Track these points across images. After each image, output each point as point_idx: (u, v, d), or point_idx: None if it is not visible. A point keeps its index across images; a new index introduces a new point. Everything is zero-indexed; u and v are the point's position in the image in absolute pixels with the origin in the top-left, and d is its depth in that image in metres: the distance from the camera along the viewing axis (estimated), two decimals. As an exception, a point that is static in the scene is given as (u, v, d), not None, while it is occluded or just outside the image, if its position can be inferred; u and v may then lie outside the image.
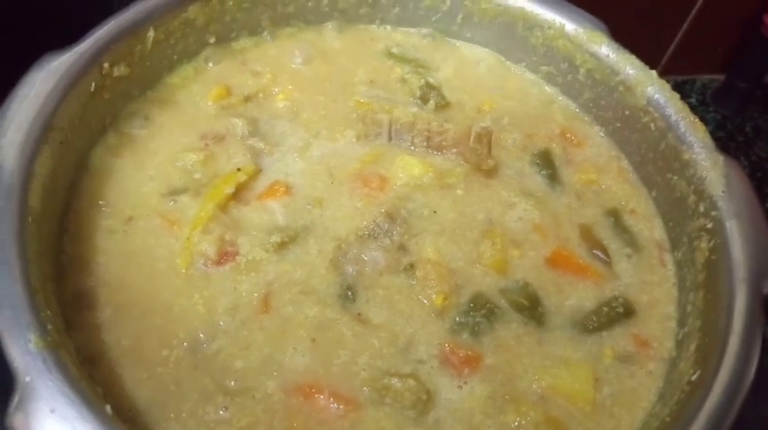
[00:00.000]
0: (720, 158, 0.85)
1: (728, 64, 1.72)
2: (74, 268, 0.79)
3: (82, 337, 0.73)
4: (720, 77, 1.75)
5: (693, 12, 1.70)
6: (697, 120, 0.89)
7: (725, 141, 1.68)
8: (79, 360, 0.69)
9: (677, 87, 1.72)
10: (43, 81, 0.79)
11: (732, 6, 1.67)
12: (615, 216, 0.93)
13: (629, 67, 0.96)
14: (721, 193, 0.82)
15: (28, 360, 0.61)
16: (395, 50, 1.09)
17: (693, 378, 0.72)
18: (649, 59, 1.67)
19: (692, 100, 1.75)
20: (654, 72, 0.94)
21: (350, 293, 0.81)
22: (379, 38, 1.10)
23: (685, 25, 1.74)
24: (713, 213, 0.82)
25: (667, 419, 0.71)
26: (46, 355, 0.62)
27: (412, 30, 1.11)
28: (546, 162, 0.97)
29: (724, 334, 0.72)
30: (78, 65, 0.83)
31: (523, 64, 1.07)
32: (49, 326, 0.65)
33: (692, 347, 0.77)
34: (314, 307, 0.79)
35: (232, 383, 0.73)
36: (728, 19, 1.69)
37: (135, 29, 0.90)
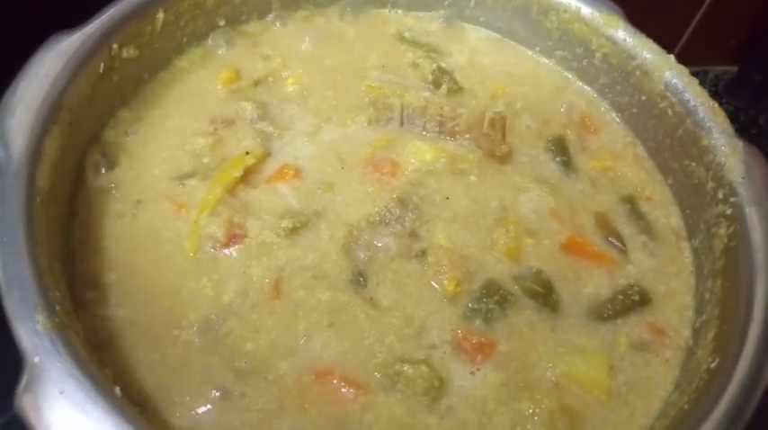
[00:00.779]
0: (740, 144, 0.84)
1: (741, 55, 1.70)
2: (83, 251, 0.78)
3: (91, 319, 0.73)
4: (733, 69, 1.73)
5: (706, 3, 1.68)
6: (716, 105, 0.88)
7: (738, 133, 1.66)
8: (88, 342, 0.69)
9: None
10: (52, 61, 0.78)
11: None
12: (631, 203, 0.91)
13: (646, 51, 0.94)
14: (741, 179, 0.81)
15: (36, 341, 0.61)
16: (407, 35, 1.07)
17: (713, 366, 0.71)
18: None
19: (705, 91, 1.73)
20: (672, 56, 0.93)
21: (362, 279, 0.79)
22: (390, 22, 1.08)
23: (698, 16, 1.72)
24: (732, 199, 0.81)
25: (686, 407, 0.69)
26: (54, 336, 0.61)
27: (424, 14, 1.09)
28: (560, 148, 0.95)
29: (744, 321, 0.71)
30: (87, 45, 0.82)
31: (538, 48, 1.05)
32: (57, 308, 0.64)
33: (711, 335, 0.75)
34: (326, 292, 0.78)
35: (243, 365, 0.72)
36: (742, 10, 1.67)
37: (145, 10, 0.89)
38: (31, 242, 0.67)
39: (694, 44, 1.69)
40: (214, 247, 0.79)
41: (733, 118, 1.66)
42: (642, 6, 1.46)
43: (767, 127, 1.68)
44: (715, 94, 1.72)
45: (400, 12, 1.09)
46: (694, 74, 1.71)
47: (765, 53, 1.65)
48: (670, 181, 0.93)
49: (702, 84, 1.69)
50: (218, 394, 0.70)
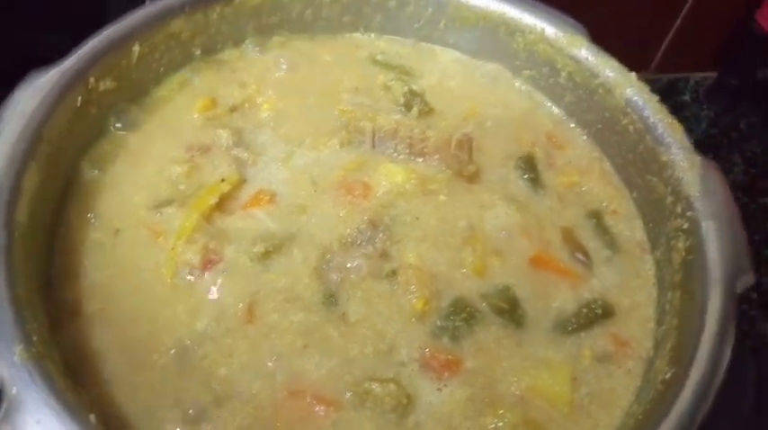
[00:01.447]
0: (698, 159, 0.86)
1: (720, 61, 1.73)
2: (63, 280, 0.81)
3: (71, 347, 0.75)
4: (713, 75, 1.76)
5: (685, 10, 1.70)
6: (675, 121, 0.90)
7: (719, 138, 1.69)
8: (68, 369, 0.72)
9: (671, 85, 1.74)
10: (29, 98, 0.81)
11: (723, 4, 1.67)
12: (597, 217, 0.94)
13: (608, 69, 0.97)
14: (697, 194, 0.83)
15: (13, 372, 0.63)
16: (379, 58, 1.10)
17: (667, 376, 0.74)
18: (643, 57, 1.69)
19: (686, 97, 1.76)
20: (633, 74, 0.95)
21: (333, 300, 0.82)
22: (363, 45, 1.11)
23: (677, 23, 1.75)
24: (689, 214, 0.83)
25: (640, 417, 0.72)
26: (31, 367, 0.64)
27: (396, 37, 1.12)
28: (529, 166, 0.98)
29: (697, 333, 0.73)
30: (64, 80, 0.84)
31: (506, 68, 1.08)
32: (35, 338, 0.67)
33: (668, 346, 0.78)
34: (298, 313, 0.81)
35: (218, 387, 0.75)
36: (720, 16, 1.69)
37: (120, 44, 0.91)
38: (10, 276, 0.70)
39: (674, 51, 1.71)
40: (190, 274, 0.82)
41: (714, 123, 1.71)
42: (621, 13, 1.49)
43: (748, 131, 1.71)
44: (696, 99, 1.75)
45: (373, 35, 1.12)
46: (675, 80, 1.76)
47: (743, 59, 1.67)
48: (634, 195, 0.96)
49: (684, 89, 1.75)
50: (194, 415, 0.73)
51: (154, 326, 0.78)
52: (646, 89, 0.94)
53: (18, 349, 0.64)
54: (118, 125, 0.93)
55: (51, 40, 0.87)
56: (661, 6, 1.67)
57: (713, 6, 1.65)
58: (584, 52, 0.99)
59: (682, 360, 0.73)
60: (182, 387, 0.75)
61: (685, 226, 0.84)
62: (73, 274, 0.81)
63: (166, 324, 0.79)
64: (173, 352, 0.77)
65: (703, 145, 1.50)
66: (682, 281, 0.82)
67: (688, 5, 1.67)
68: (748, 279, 0.76)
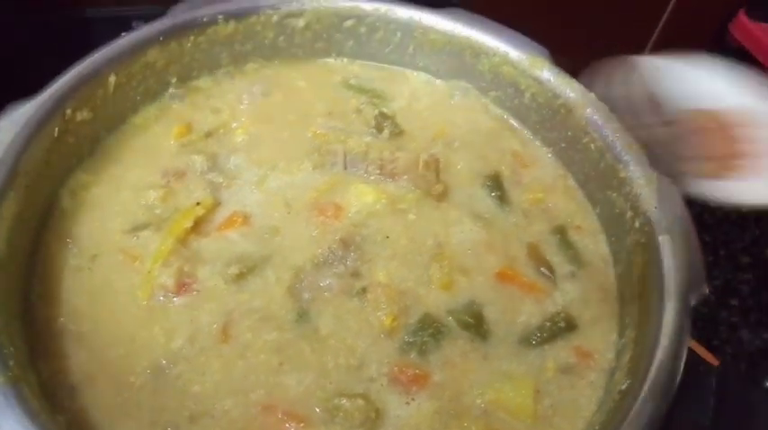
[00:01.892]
0: (654, 175, 0.89)
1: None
2: (42, 305, 0.83)
3: (49, 370, 0.78)
4: (687, 87, 1.79)
5: (661, 21, 1.74)
6: (632, 139, 0.93)
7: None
8: (44, 392, 0.74)
9: (647, 97, 1.77)
10: (6, 130, 0.84)
11: (699, 16, 1.71)
12: (561, 233, 0.97)
13: (569, 90, 1.00)
14: (654, 209, 0.86)
15: (-11, 395, 0.66)
16: (353, 82, 1.13)
17: (623, 387, 0.76)
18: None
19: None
20: (592, 95, 0.98)
21: (306, 318, 0.85)
22: (336, 70, 1.14)
23: (654, 36, 1.79)
24: (646, 228, 0.86)
25: (597, 427, 0.75)
26: (6, 390, 0.67)
27: (368, 62, 1.15)
28: (495, 184, 1.01)
29: (653, 345, 0.76)
30: (40, 113, 0.87)
31: (473, 89, 1.11)
32: (11, 362, 0.69)
33: (627, 358, 0.81)
34: (272, 332, 0.83)
35: (193, 405, 0.77)
36: (695, 29, 1.73)
37: (96, 75, 0.94)
38: (-13, 304, 0.72)
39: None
40: (165, 296, 0.85)
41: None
42: (596, 28, 1.52)
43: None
44: (672, 111, 1.78)
45: (346, 60, 1.15)
46: (651, 93, 1.79)
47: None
48: (597, 210, 0.99)
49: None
50: (171, 434, 0.76)
51: (131, 348, 0.81)
52: (605, 109, 0.97)
53: (-6, 373, 0.67)
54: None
55: (33, 74, 0.90)
56: (637, 20, 1.71)
57: (688, 19, 1.69)
58: (546, 74, 1.02)
59: (638, 371, 0.76)
60: (157, 406, 0.77)
61: (643, 240, 0.87)
62: (52, 299, 0.84)
63: (143, 345, 0.81)
64: (148, 372, 0.79)
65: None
66: (640, 294, 0.85)
67: (664, 17, 1.71)
68: (703, 291, 0.79)
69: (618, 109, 0.85)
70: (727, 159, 0.68)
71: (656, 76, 0.75)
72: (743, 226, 1.55)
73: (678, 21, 1.72)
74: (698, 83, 0.73)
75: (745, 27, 1.65)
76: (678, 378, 0.73)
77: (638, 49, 1.75)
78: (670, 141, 0.72)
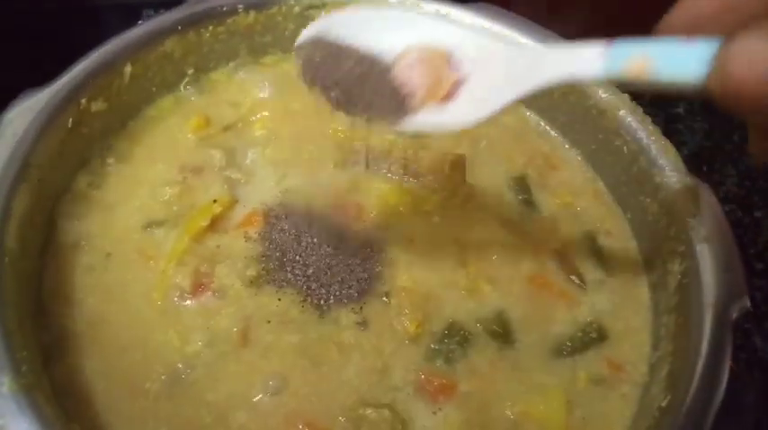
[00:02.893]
0: (692, 182, 0.86)
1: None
2: (54, 305, 0.80)
3: (61, 375, 0.74)
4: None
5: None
6: (668, 143, 0.90)
7: (713, 150, 1.68)
8: (58, 398, 0.71)
9: (664, 97, 1.73)
10: (20, 119, 0.81)
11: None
12: (591, 239, 0.94)
13: (601, 90, 0.97)
14: (692, 217, 0.83)
15: (1, 403, 0.63)
16: (374, 77, 1.09)
17: (663, 404, 0.73)
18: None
19: (680, 110, 1.75)
20: (626, 96, 0.95)
21: (328, 322, 0.81)
22: (357, 64, 1.10)
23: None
24: (684, 236, 0.83)
25: (636, 446, 0.72)
26: (20, 398, 0.63)
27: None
28: (522, 186, 0.98)
29: (693, 360, 0.73)
30: (55, 102, 0.84)
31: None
32: (24, 368, 0.66)
33: (664, 372, 0.77)
34: (293, 336, 0.80)
35: (210, 413, 0.74)
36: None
37: (112, 64, 0.91)
38: (0, 304, 0.69)
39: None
40: (181, 298, 0.82)
41: (708, 135, 1.71)
42: (611, 28, 1.49)
43: (742, 143, 1.71)
44: (690, 111, 1.75)
45: (367, 53, 1.11)
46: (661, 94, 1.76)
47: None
48: (629, 216, 0.96)
49: (678, 102, 1.74)
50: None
51: (145, 353, 0.78)
52: (639, 111, 0.93)
53: (7, 380, 0.63)
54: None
55: (45, 60, 0.86)
56: (656, 17, 1.67)
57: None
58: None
59: (678, 387, 0.72)
60: (174, 413, 0.74)
61: (680, 248, 0.83)
62: (64, 299, 0.80)
63: (157, 350, 0.78)
64: (164, 378, 0.76)
65: (697, 157, 1.50)
66: (677, 305, 0.81)
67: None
68: (744, 303, 0.76)
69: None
70: (434, 88, 0.66)
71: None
72: (756, 231, 1.51)
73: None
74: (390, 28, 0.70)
75: None
76: (720, 396, 0.70)
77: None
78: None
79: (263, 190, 0.93)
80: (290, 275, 0.85)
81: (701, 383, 0.70)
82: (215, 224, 0.88)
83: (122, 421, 0.72)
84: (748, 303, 0.76)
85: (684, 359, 0.75)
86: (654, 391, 0.77)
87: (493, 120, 1.03)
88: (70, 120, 0.86)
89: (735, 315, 0.75)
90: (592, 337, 0.84)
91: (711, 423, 0.68)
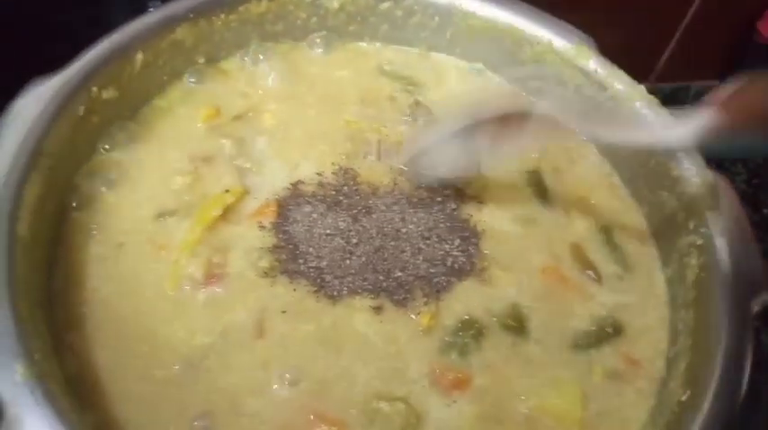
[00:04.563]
0: (710, 175, 0.85)
1: (723, 70, 1.72)
2: (66, 294, 0.78)
3: (74, 363, 0.73)
4: (715, 84, 1.75)
5: (686, 19, 1.70)
6: (686, 136, 0.89)
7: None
8: (70, 387, 0.70)
9: (673, 94, 1.73)
10: (31, 107, 0.79)
11: (725, 14, 1.67)
12: (606, 233, 0.93)
13: (617, 82, 0.96)
14: (710, 210, 0.82)
15: (15, 391, 0.61)
16: (387, 68, 1.08)
17: (683, 398, 0.72)
18: (644, 67, 1.68)
19: (688, 106, 1.75)
20: (642, 87, 0.94)
21: (342, 312, 0.81)
22: (370, 55, 1.10)
23: (679, 32, 1.74)
24: (702, 230, 0.82)
25: (657, 442, 0.71)
26: (33, 386, 0.62)
27: (402, 47, 1.10)
28: (536, 180, 0.97)
29: (713, 354, 0.72)
30: (66, 89, 0.83)
31: (513, 79, 1.07)
32: (37, 356, 0.65)
33: (683, 367, 0.76)
34: (308, 327, 0.79)
35: (221, 403, 0.73)
36: (722, 26, 1.69)
37: (123, 52, 0.90)
38: (12, 292, 0.67)
39: (676, 60, 1.71)
40: (194, 288, 0.80)
41: (715, 132, 1.70)
42: (623, 23, 1.48)
43: (750, 141, 1.70)
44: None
45: (378, 44, 1.10)
46: (677, 89, 1.75)
47: (745, 69, 1.66)
48: (645, 210, 0.95)
49: (685, 99, 1.74)
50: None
51: (157, 342, 0.77)
52: (655, 102, 0.93)
53: (20, 367, 0.62)
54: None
55: (53, 48, 0.85)
56: (663, 16, 1.66)
57: (715, 15, 1.65)
58: (593, 64, 0.98)
59: (698, 381, 0.72)
60: (186, 403, 0.73)
61: (698, 242, 0.82)
62: (75, 289, 0.79)
63: (169, 339, 0.77)
64: (177, 367, 0.75)
65: (706, 156, 1.50)
66: (695, 299, 0.80)
67: (690, 14, 1.66)
68: (765, 297, 0.75)
69: None
70: None
71: None
72: (765, 228, 1.51)
73: (705, 17, 1.67)
74: None
75: (774, 25, 1.61)
76: (743, 388, 0.69)
77: (664, 43, 1.71)
78: None
79: (274, 180, 0.92)
80: (302, 267, 0.83)
81: (723, 377, 0.69)
82: (227, 214, 0.87)
83: (134, 408, 0.71)
84: (768, 297, 0.76)
85: (704, 354, 0.74)
86: (672, 386, 0.76)
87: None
88: (82, 108, 0.85)
89: (756, 308, 0.74)
90: (607, 332, 0.83)
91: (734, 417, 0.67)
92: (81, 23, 0.89)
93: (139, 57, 0.92)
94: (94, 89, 0.87)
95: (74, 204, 0.85)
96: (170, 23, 0.94)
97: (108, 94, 0.89)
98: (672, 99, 1.74)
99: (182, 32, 0.95)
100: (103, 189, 0.87)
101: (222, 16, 0.98)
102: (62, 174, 0.83)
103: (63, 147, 0.82)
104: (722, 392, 0.69)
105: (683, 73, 1.76)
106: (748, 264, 0.78)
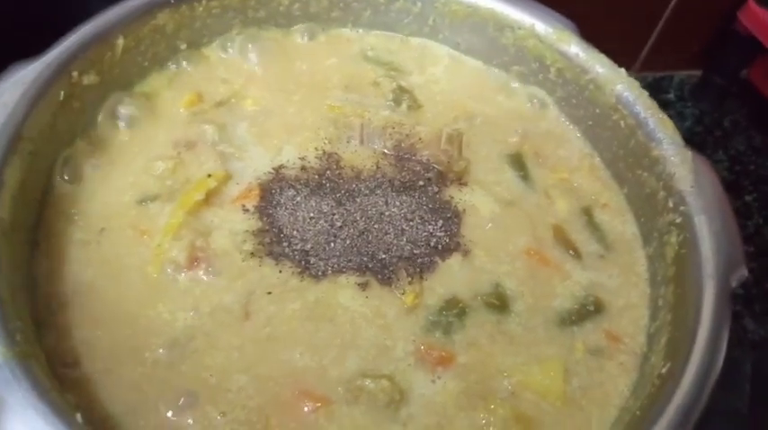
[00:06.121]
0: (689, 154, 0.86)
1: (705, 60, 1.74)
2: (48, 279, 0.78)
3: (57, 346, 0.73)
4: (698, 73, 1.77)
5: (669, 9, 1.71)
6: (665, 116, 0.90)
7: (703, 136, 1.70)
8: (52, 368, 0.70)
9: (656, 83, 1.75)
10: (10, 91, 0.79)
11: (707, 3, 1.68)
12: (588, 214, 0.94)
13: (598, 65, 0.96)
14: (690, 189, 0.83)
15: (-3, 372, 0.62)
16: (370, 53, 1.09)
17: (663, 371, 0.73)
18: (628, 56, 1.70)
19: (671, 95, 1.77)
20: (623, 70, 0.95)
21: (327, 289, 0.81)
22: (353, 41, 1.10)
23: (662, 22, 1.75)
24: (682, 208, 0.83)
25: (638, 413, 0.72)
26: (14, 366, 0.62)
27: (385, 32, 1.10)
28: (518, 162, 0.97)
29: (693, 327, 0.73)
30: (46, 74, 0.82)
31: (495, 63, 1.07)
32: (18, 337, 0.65)
33: (663, 341, 0.78)
34: (292, 307, 0.79)
35: (207, 382, 0.74)
36: (704, 15, 1.70)
37: (104, 36, 0.89)
38: (-8, 273, 0.68)
39: (659, 50, 1.72)
40: (177, 271, 0.80)
41: (698, 121, 1.72)
42: (606, 12, 1.49)
43: (731, 129, 1.72)
44: (681, 98, 1.76)
45: (361, 31, 1.10)
46: (660, 78, 1.77)
47: (727, 57, 1.68)
48: (625, 190, 0.96)
49: (668, 88, 1.75)
50: (179, 411, 0.72)
51: (141, 325, 0.77)
52: (636, 85, 0.93)
53: (1, 348, 0.62)
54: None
55: (34, 32, 0.84)
56: (645, 5, 1.67)
57: (697, 5, 1.66)
58: (574, 48, 0.98)
59: (678, 354, 0.73)
60: (170, 384, 0.73)
61: (678, 220, 0.83)
62: (57, 273, 0.79)
63: (154, 321, 0.77)
64: (162, 350, 0.75)
65: (688, 143, 1.51)
66: (675, 275, 0.81)
67: (672, 4, 1.68)
68: (743, 272, 0.76)
69: None
70: None
71: None
72: (746, 215, 1.53)
73: (688, 6, 1.68)
74: None
75: (754, 14, 1.62)
76: (721, 361, 0.70)
77: (647, 32, 1.72)
78: None
79: (257, 165, 0.92)
80: (287, 250, 0.84)
81: (702, 350, 0.70)
82: (210, 198, 0.87)
83: (120, 388, 0.71)
84: (746, 272, 0.76)
85: (683, 328, 0.75)
86: (653, 360, 0.77)
87: (488, 96, 1.05)
88: (62, 93, 0.85)
89: (734, 283, 0.75)
90: (589, 310, 0.84)
91: (713, 389, 0.68)
92: (62, 8, 0.88)
93: (120, 42, 0.91)
94: (75, 74, 0.86)
95: (55, 190, 0.85)
96: (151, 9, 0.94)
97: (89, 79, 0.88)
98: (655, 88, 1.75)
99: (163, 18, 0.95)
100: (85, 175, 0.87)
101: (204, 2, 0.98)
102: (43, 159, 0.83)
103: (43, 132, 0.82)
104: (701, 363, 0.69)
105: (666, 63, 1.77)
106: (727, 240, 0.79)
